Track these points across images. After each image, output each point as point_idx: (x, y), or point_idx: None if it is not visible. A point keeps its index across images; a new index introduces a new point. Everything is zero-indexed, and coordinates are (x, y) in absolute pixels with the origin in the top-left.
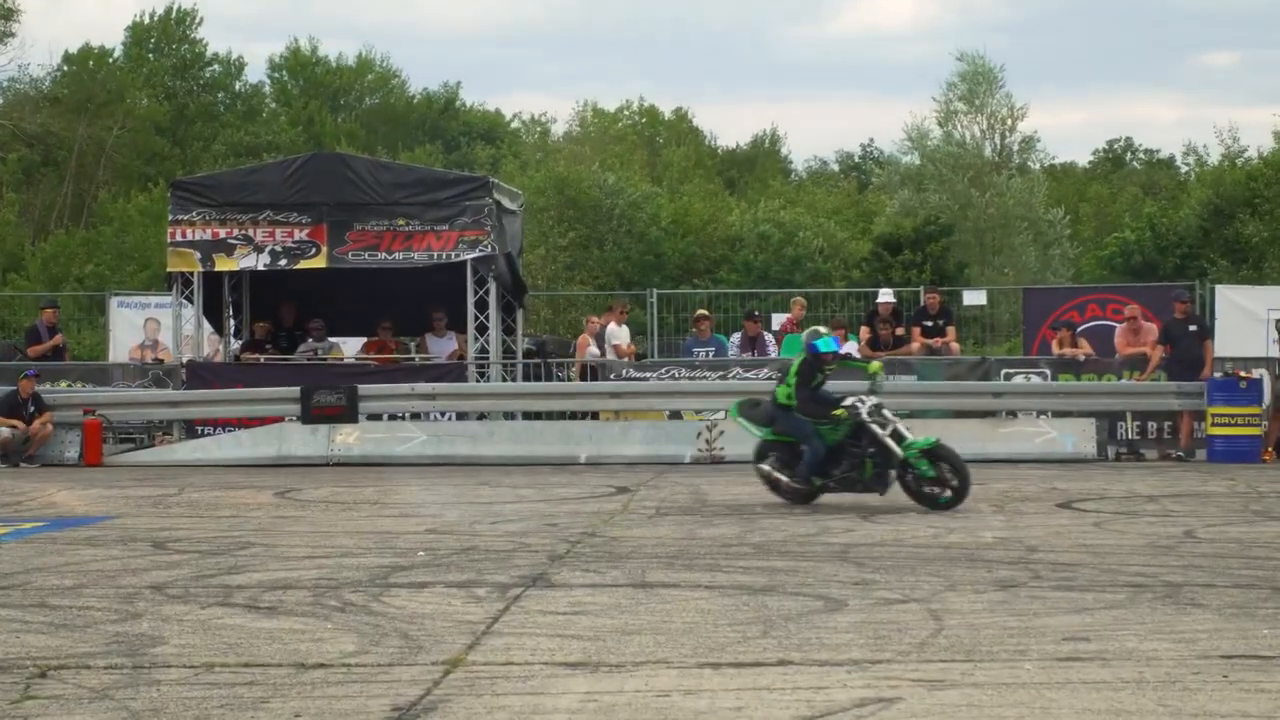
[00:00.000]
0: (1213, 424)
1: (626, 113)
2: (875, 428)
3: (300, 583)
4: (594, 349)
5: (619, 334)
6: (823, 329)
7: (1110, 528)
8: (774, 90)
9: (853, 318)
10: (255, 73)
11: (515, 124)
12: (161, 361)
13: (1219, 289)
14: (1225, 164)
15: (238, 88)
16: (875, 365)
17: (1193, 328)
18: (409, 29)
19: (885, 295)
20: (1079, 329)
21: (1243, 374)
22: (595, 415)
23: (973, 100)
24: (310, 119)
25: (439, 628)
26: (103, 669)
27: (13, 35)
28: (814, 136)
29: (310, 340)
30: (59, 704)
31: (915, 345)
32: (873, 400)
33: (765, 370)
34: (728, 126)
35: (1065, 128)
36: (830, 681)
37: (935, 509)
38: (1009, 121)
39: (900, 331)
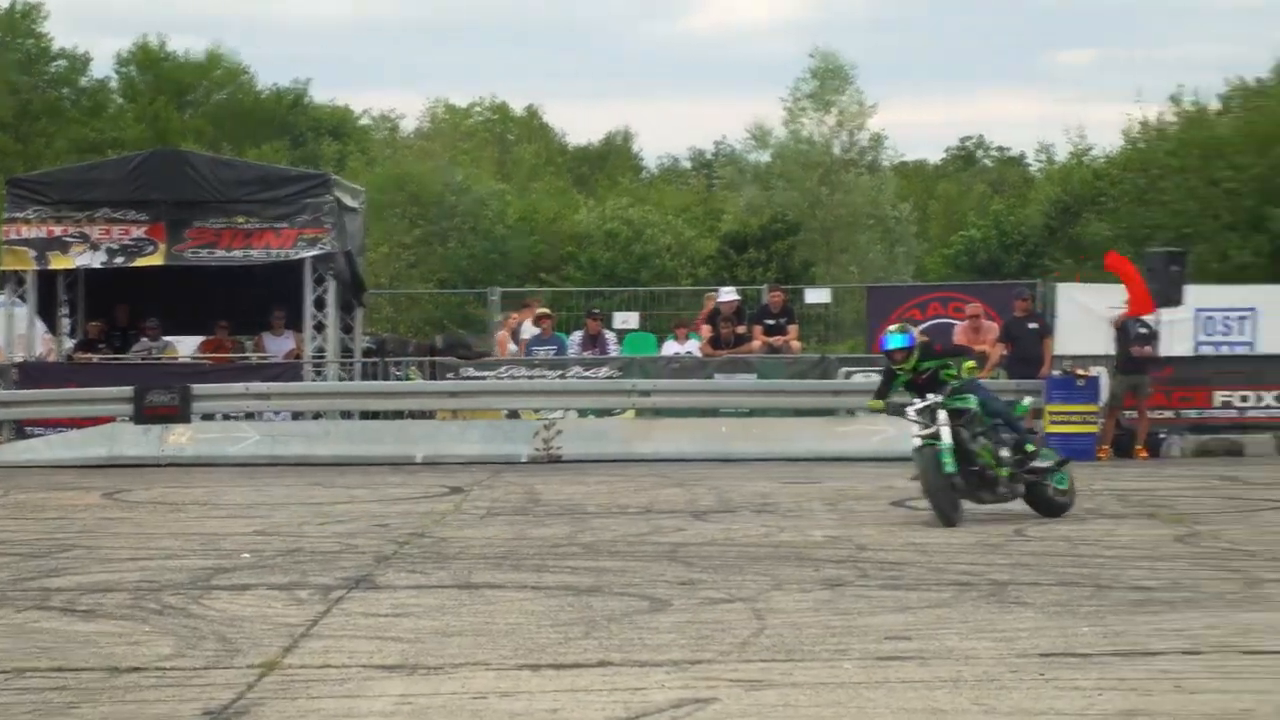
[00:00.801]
0: (1050, 422)
1: (478, 109)
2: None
3: (121, 585)
4: (513, 346)
5: (532, 331)
6: (893, 326)
7: (939, 526)
8: (628, 88)
9: (690, 316)
10: (102, 68)
11: (365, 120)
12: None
13: (1060, 287)
14: (1073, 162)
15: (83, 83)
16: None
17: (1033, 326)
18: (259, 24)
19: (727, 294)
20: (921, 326)
21: (1080, 372)
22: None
23: (822, 97)
24: (156, 115)
25: (258, 630)
26: None
27: None
28: (668, 135)
29: (145, 339)
30: None
31: (756, 344)
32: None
33: (605, 369)
34: (580, 124)
35: (922, 126)
36: (648, 682)
37: None
38: (859, 119)
39: (742, 330)
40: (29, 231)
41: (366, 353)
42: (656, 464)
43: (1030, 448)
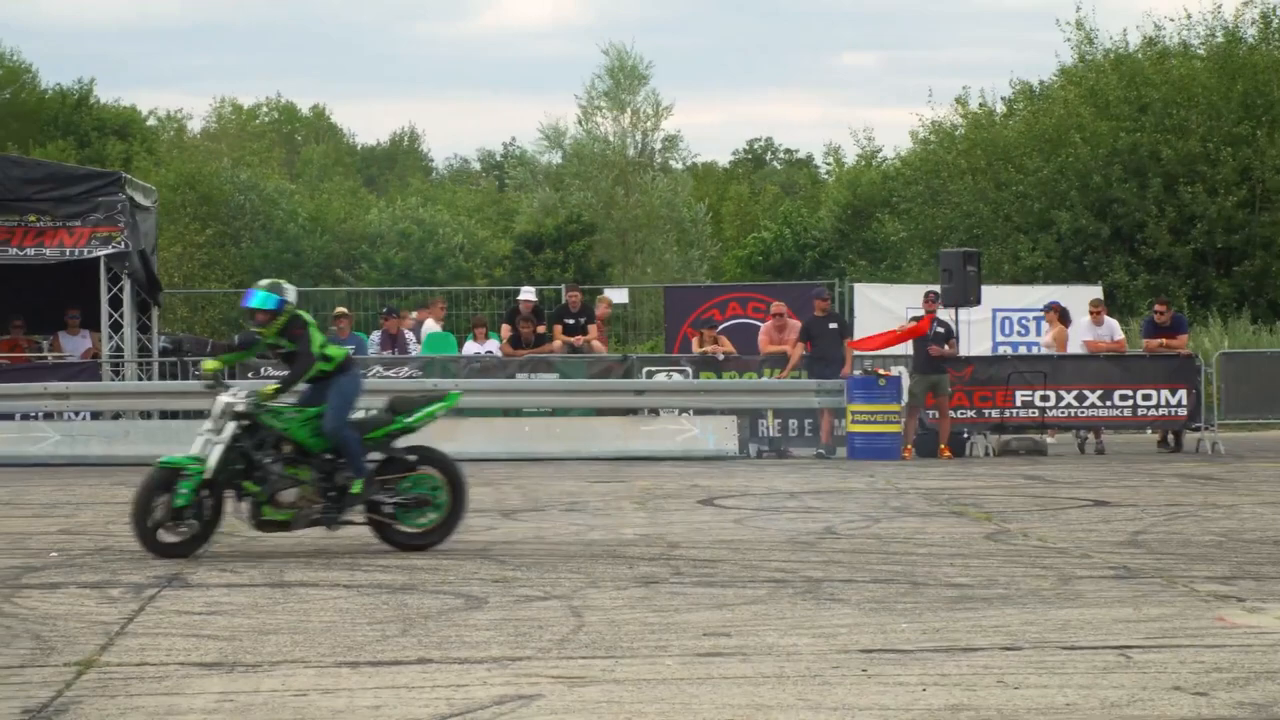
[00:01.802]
0: (852, 421)
1: (265, 109)
2: None
3: None
4: (413, 342)
5: (434, 329)
6: (264, 281)
7: (751, 524)
8: (413, 88)
9: (495, 316)
10: None
11: (151, 120)
12: None
13: (858, 287)
14: (861, 164)
15: None
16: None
17: (833, 325)
18: (40, 23)
19: (526, 293)
20: (719, 327)
21: (881, 372)
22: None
23: (617, 96)
24: None
25: (72, 628)
26: None
27: None
28: (455, 135)
29: None
30: None
31: (557, 343)
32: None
33: (405, 369)
34: (367, 124)
35: (705, 127)
36: (470, 679)
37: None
38: (653, 119)
39: (542, 329)
40: None
41: (164, 352)
42: (461, 463)
43: (356, 489)
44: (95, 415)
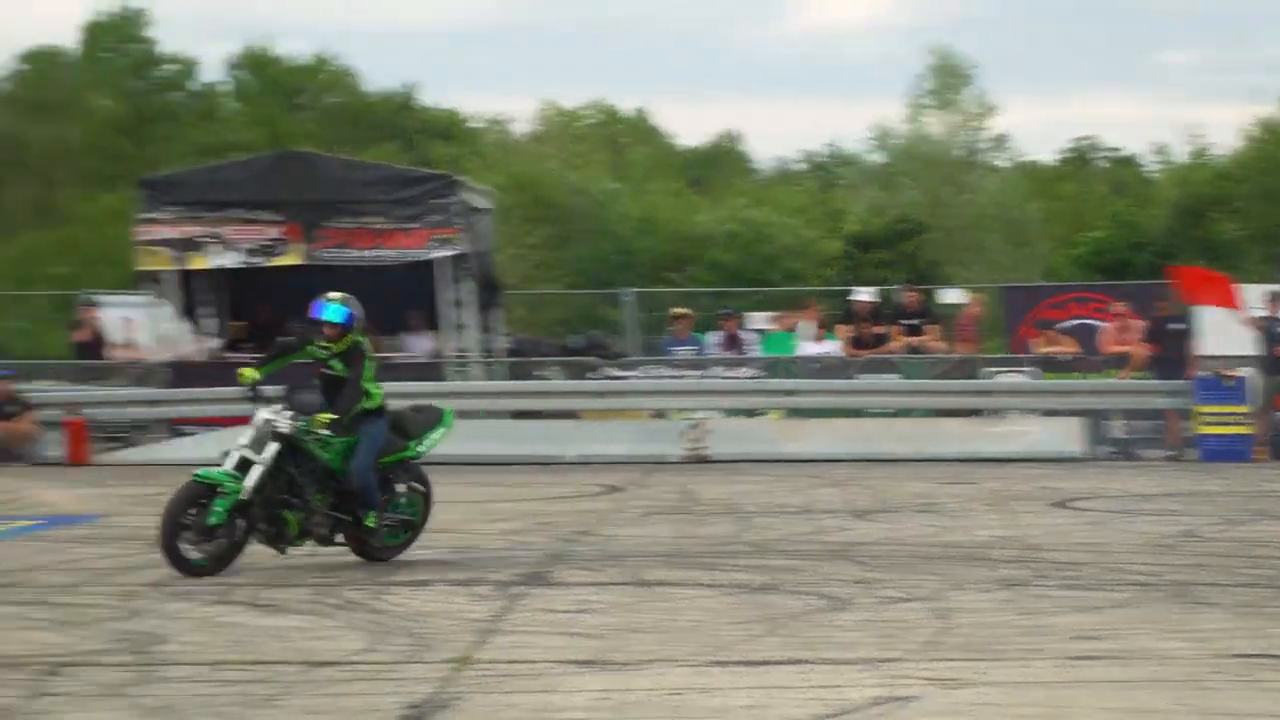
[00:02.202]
0: (1202, 423)
1: (587, 112)
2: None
3: (298, 581)
4: (814, 345)
5: (811, 333)
6: (334, 294)
7: (1109, 526)
8: (734, 90)
9: (829, 316)
10: (210, 72)
11: (476, 123)
12: (139, 361)
13: None
14: (1191, 162)
15: (194, 87)
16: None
17: (1176, 326)
18: (366, 26)
19: (863, 294)
20: (1061, 327)
21: (1227, 373)
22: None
23: (944, 95)
24: (269, 118)
25: (444, 626)
26: (112, 666)
27: None
28: (776, 136)
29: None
30: (72, 701)
31: (896, 344)
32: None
33: (747, 369)
34: (688, 126)
35: (1026, 126)
36: (842, 680)
37: None
38: (979, 119)
39: (881, 330)
40: (164, 232)
41: (508, 353)
42: (804, 464)
43: (371, 523)
44: None
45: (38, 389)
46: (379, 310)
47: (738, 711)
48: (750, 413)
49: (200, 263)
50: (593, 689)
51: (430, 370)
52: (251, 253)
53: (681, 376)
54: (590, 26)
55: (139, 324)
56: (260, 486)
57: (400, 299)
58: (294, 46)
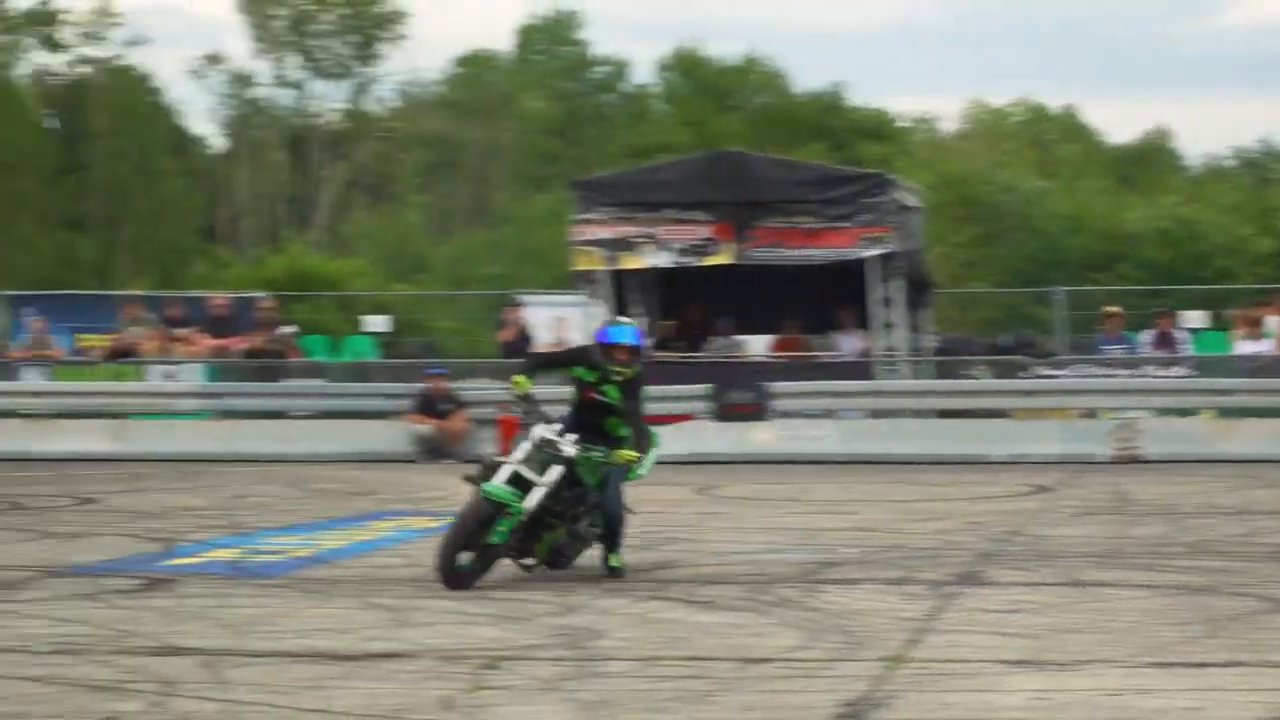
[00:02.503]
0: None
1: (1015, 110)
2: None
3: (732, 578)
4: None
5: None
6: (628, 319)
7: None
8: (1164, 85)
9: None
10: (641, 74)
11: (903, 123)
12: None
13: None
14: None
15: (625, 89)
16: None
17: None
18: (794, 28)
19: None
20: None
21: None
22: (1006, 414)
23: None
24: (698, 119)
25: (876, 624)
26: (549, 661)
27: (403, 38)
28: (1207, 132)
29: (718, 339)
30: (511, 694)
31: None
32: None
33: (1178, 368)
34: (1115, 123)
35: None
36: None
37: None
38: None
39: None
40: (598, 232)
41: (936, 351)
42: (1239, 464)
43: (616, 564)
44: (872, 414)
45: (471, 387)
46: (807, 309)
47: (1178, 713)
48: (1183, 412)
49: (633, 262)
50: (1029, 688)
51: (859, 369)
52: (683, 252)
53: (1112, 375)
54: (1017, 25)
55: (571, 323)
56: (537, 510)
57: (829, 298)
58: (724, 48)
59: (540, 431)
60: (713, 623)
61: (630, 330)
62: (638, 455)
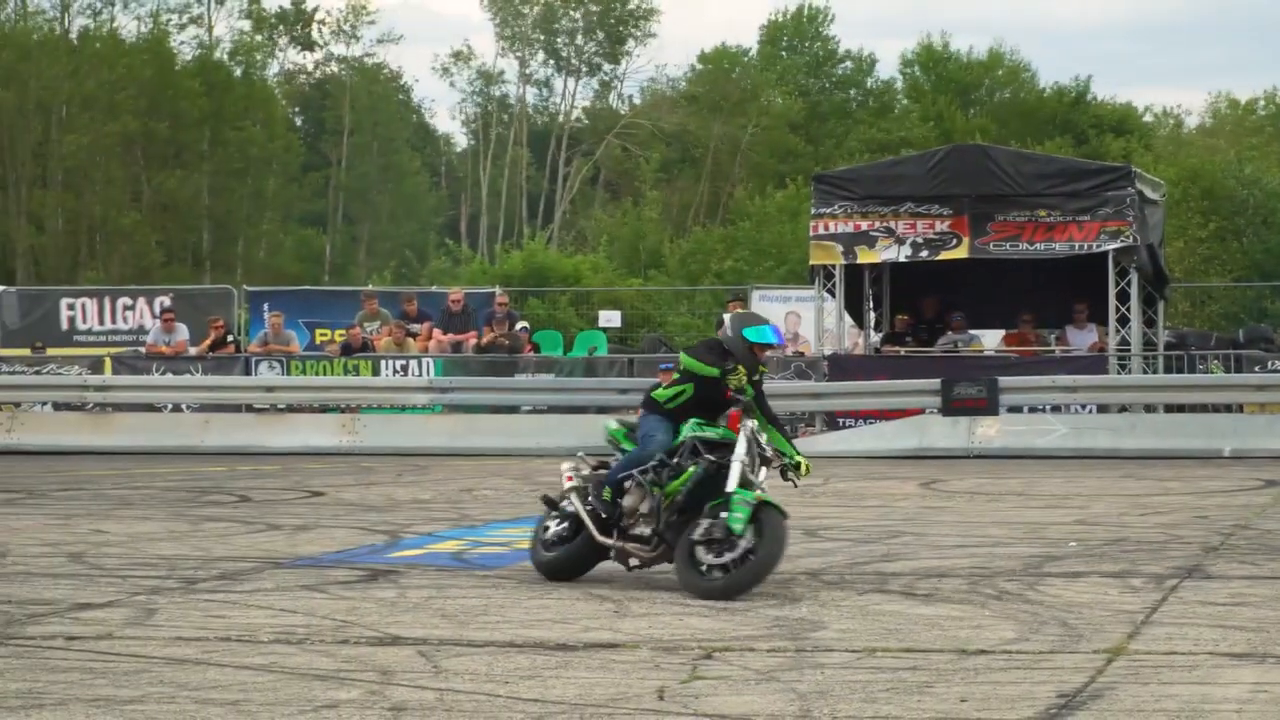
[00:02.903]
0: None
1: (1262, 103)
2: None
3: (954, 571)
4: None
5: None
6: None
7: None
8: None
9: None
10: (886, 69)
11: (1147, 117)
12: (802, 354)
13: None
14: None
15: (869, 85)
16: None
17: None
18: (1039, 23)
19: None
20: None
21: None
22: (1239, 408)
23: None
24: (941, 114)
25: (1097, 616)
26: (766, 652)
27: (653, 36)
28: None
29: (950, 333)
30: (726, 684)
31: None
32: None
33: None
34: None
35: None
36: None
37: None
38: None
39: None
40: (836, 226)
41: (1168, 346)
42: None
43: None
44: (1101, 408)
45: None
46: (1043, 303)
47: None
48: None
49: (870, 257)
50: (1248, 681)
51: (1092, 364)
52: (920, 246)
53: None
54: (1266, 16)
55: (801, 318)
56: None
57: (1065, 292)
58: (969, 42)
59: (753, 427)
60: (932, 615)
61: (775, 330)
62: (809, 464)
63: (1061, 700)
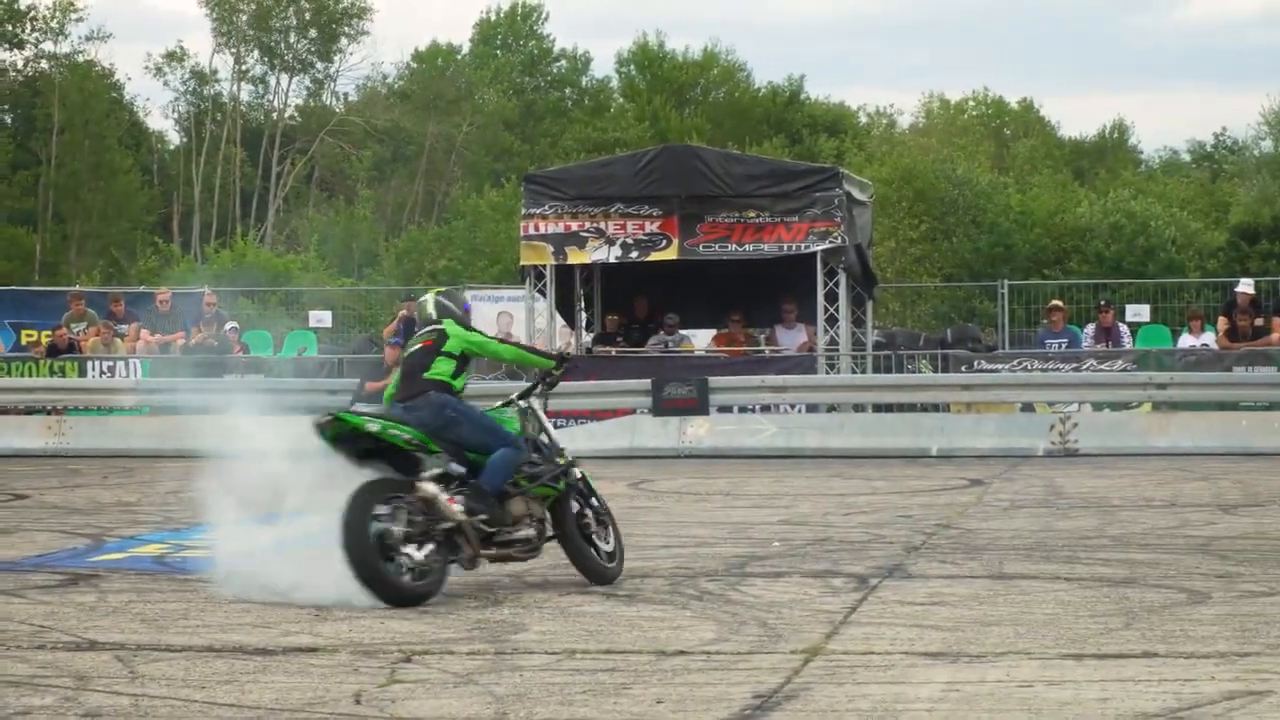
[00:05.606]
0: None
1: (972, 104)
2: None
3: (657, 571)
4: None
5: None
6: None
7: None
8: (1123, 80)
9: (1208, 308)
10: (601, 68)
11: (861, 117)
12: None
13: None
14: None
15: (584, 84)
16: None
17: None
18: (753, 22)
19: (1244, 285)
20: None
21: None
22: (946, 407)
23: None
24: (656, 114)
25: (797, 616)
26: (465, 654)
27: (365, 34)
28: (1162, 127)
29: (661, 333)
30: (424, 688)
31: (1276, 335)
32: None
33: (1119, 362)
34: (1073, 117)
35: None
36: (1196, 674)
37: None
38: None
39: (1260, 322)
40: (546, 227)
41: (877, 346)
42: (1174, 457)
43: None
44: (810, 408)
45: None
46: (752, 303)
47: (1089, 704)
48: (1120, 406)
49: (580, 257)
50: (941, 680)
51: (801, 364)
52: (630, 247)
53: (1055, 369)
54: (977, 18)
55: (513, 318)
56: None
57: (774, 292)
58: (684, 42)
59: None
60: (633, 615)
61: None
62: None
63: (757, 701)
